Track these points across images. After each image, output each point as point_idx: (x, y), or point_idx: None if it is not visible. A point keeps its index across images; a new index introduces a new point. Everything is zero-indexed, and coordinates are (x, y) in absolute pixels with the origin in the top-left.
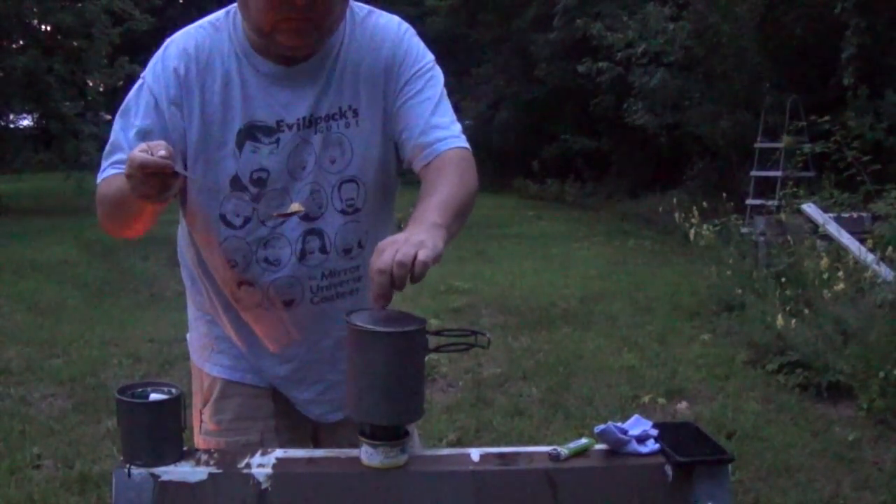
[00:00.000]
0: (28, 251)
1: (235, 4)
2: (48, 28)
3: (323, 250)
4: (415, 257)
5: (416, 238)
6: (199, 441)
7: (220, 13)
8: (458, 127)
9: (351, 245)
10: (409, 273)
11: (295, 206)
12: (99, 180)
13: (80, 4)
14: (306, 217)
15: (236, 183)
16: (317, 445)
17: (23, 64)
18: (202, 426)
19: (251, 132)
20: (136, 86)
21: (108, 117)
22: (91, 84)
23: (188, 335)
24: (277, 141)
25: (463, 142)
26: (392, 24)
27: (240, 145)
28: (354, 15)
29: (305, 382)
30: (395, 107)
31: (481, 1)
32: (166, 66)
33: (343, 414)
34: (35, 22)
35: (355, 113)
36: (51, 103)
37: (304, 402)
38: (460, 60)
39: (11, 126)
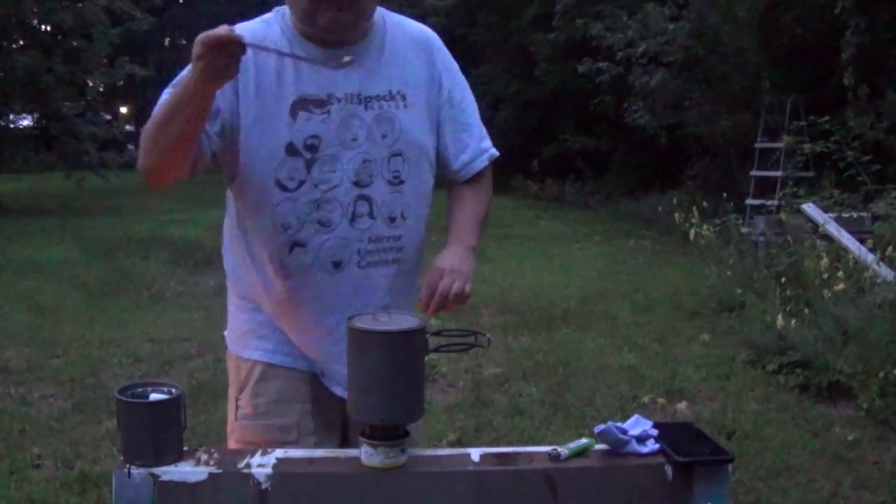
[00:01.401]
0: (28, 251)
1: (282, 6)
2: (48, 28)
3: (371, 216)
4: (464, 289)
5: (466, 268)
6: (234, 430)
7: (269, 14)
8: (484, 132)
9: (395, 214)
10: (460, 303)
11: None
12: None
13: (80, 4)
14: (357, 184)
15: (291, 149)
16: (345, 431)
17: (23, 64)
18: (238, 412)
19: (304, 103)
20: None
21: (108, 117)
22: (91, 84)
23: (226, 330)
24: (328, 112)
25: (488, 153)
26: (429, 33)
27: (293, 114)
28: (390, 16)
29: (343, 352)
30: (440, 108)
31: (481, 1)
32: None
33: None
34: (35, 22)
35: (403, 98)
36: (51, 103)
37: (343, 378)
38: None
39: (11, 126)
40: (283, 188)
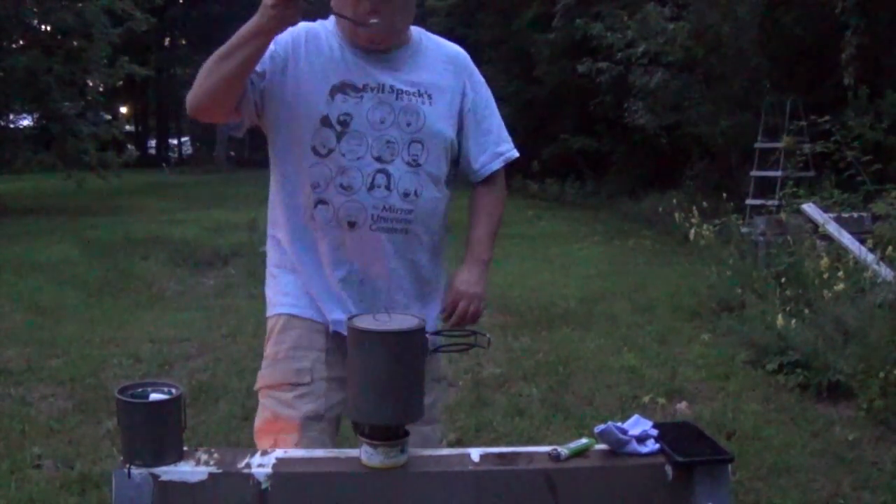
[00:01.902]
0: (28, 251)
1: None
2: (48, 28)
3: (387, 188)
4: (479, 310)
5: (480, 290)
6: (260, 377)
7: (320, 21)
8: (503, 136)
9: (410, 191)
10: (475, 322)
11: None
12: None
13: (80, 4)
14: (379, 159)
15: (326, 121)
16: None
17: (23, 64)
18: (264, 361)
19: (343, 87)
20: None
21: (108, 117)
22: (91, 84)
23: (268, 298)
24: (362, 97)
25: (504, 155)
26: (460, 51)
27: (332, 94)
28: (428, 36)
29: (356, 300)
30: (464, 114)
31: (481, 1)
32: (282, 37)
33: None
34: (35, 22)
35: (430, 97)
36: (51, 103)
37: (340, 321)
38: None
39: (11, 126)
40: (316, 153)
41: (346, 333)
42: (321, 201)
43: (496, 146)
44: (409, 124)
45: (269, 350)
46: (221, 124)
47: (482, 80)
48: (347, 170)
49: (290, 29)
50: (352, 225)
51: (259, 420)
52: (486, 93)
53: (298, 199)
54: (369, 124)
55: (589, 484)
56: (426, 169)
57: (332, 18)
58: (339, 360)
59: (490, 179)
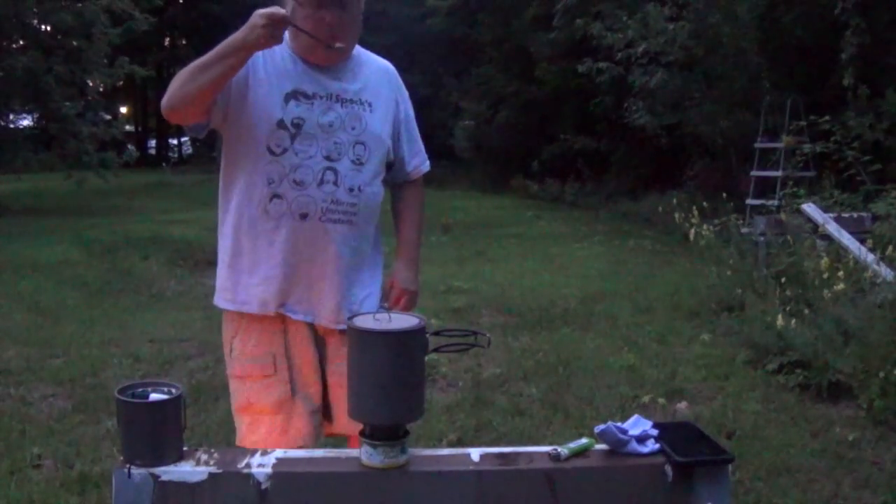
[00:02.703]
0: (28, 251)
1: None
2: (48, 28)
3: (335, 183)
4: (413, 305)
5: (415, 287)
6: (230, 366)
7: None
8: (422, 146)
9: (354, 186)
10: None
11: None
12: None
13: (80, 4)
14: (328, 158)
15: (281, 124)
16: (324, 367)
17: (23, 64)
18: (232, 353)
19: (295, 94)
20: None
21: (108, 117)
22: (91, 84)
23: (216, 294)
24: (312, 104)
25: (426, 162)
26: (390, 66)
27: (286, 100)
28: (361, 50)
29: (299, 284)
30: (398, 123)
31: (481, 1)
32: None
33: (325, 323)
34: (35, 22)
35: (370, 105)
36: (51, 103)
37: (294, 303)
38: (460, 60)
39: (11, 126)
40: (271, 152)
41: (287, 314)
42: (276, 195)
43: (423, 153)
44: (353, 128)
45: (236, 343)
46: (187, 126)
47: (407, 93)
48: (299, 167)
49: None
50: (304, 216)
51: (235, 402)
52: (411, 106)
53: (254, 193)
54: (319, 127)
55: (589, 484)
56: (368, 167)
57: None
58: (296, 341)
59: (417, 181)
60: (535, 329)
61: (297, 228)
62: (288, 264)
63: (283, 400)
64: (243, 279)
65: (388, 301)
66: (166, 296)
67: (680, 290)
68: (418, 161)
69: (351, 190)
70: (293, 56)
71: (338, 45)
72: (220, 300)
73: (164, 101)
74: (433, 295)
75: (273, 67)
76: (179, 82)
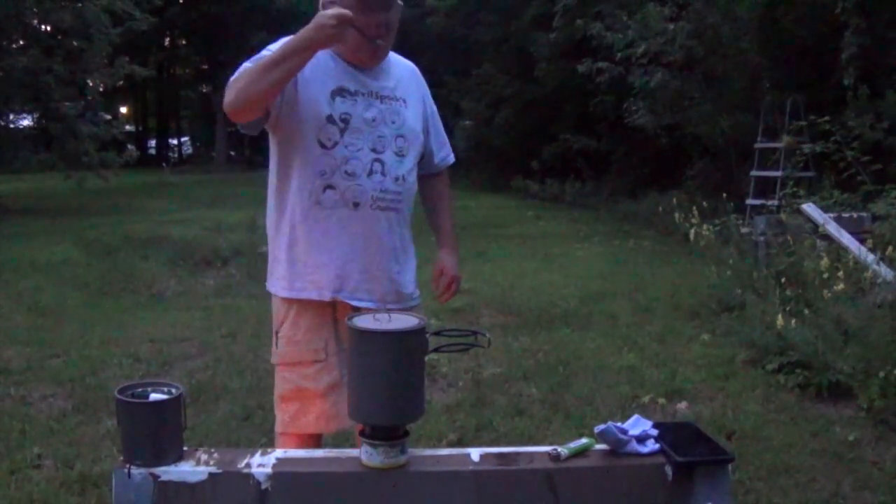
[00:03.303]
0: (28, 251)
1: None
2: (48, 28)
3: (382, 174)
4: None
5: (458, 272)
6: (278, 355)
7: None
8: (446, 140)
9: (398, 176)
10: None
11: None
12: (242, 69)
13: (80, 4)
14: (374, 150)
15: (330, 118)
16: None
17: (23, 64)
18: (279, 341)
19: (340, 91)
20: (258, 54)
21: (108, 117)
22: (91, 84)
23: (267, 281)
24: (356, 100)
25: (452, 153)
26: (414, 66)
27: (333, 97)
28: (392, 53)
29: (356, 271)
30: (426, 118)
31: (481, 1)
32: (285, 40)
33: (384, 306)
34: (35, 22)
35: (405, 101)
36: (51, 103)
37: (353, 290)
38: (460, 60)
39: (11, 126)
40: (322, 146)
41: (352, 303)
42: (329, 186)
43: (447, 146)
44: (393, 122)
45: (285, 331)
46: (241, 124)
47: (429, 91)
48: (350, 159)
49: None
50: (356, 205)
51: (281, 390)
52: (433, 102)
53: (306, 186)
54: (364, 122)
55: (589, 484)
56: (408, 159)
57: None
58: (346, 327)
59: (443, 173)
60: (535, 329)
61: (350, 217)
62: (342, 252)
63: (333, 385)
64: (299, 268)
65: (440, 287)
66: (166, 296)
67: (680, 290)
68: (445, 153)
69: (396, 179)
70: (333, 56)
71: (378, 41)
72: (278, 288)
73: (229, 101)
74: (433, 295)
75: (316, 67)
76: (243, 83)
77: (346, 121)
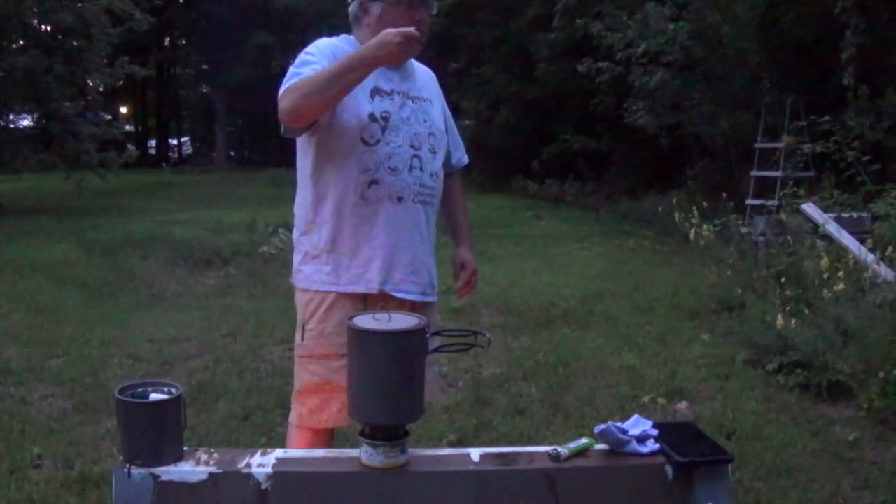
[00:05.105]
0: (28, 251)
1: (349, 35)
2: (48, 28)
3: (420, 169)
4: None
5: (476, 266)
6: (302, 348)
7: (342, 37)
8: (461, 141)
9: (433, 171)
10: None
11: None
12: (293, 80)
13: (80, 4)
14: (412, 146)
15: (372, 117)
16: None
17: (23, 64)
18: (306, 335)
19: (378, 90)
20: (300, 58)
21: (108, 117)
22: (91, 84)
23: (293, 277)
24: (392, 99)
25: (466, 154)
26: (428, 69)
27: (372, 96)
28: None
29: (402, 263)
30: (446, 117)
31: (481, 1)
32: (324, 46)
33: (424, 297)
34: (35, 22)
35: (431, 101)
36: (51, 103)
37: (399, 282)
38: (460, 60)
39: (11, 126)
40: (365, 143)
41: (398, 296)
42: (373, 181)
43: (462, 147)
44: (424, 121)
45: (313, 325)
46: (292, 128)
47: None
48: (392, 155)
49: (329, 45)
50: (399, 199)
51: (304, 382)
52: (447, 106)
53: (349, 182)
54: (401, 120)
55: (589, 484)
56: (439, 155)
57: (347, 37)
58: None
59: (457, 173)
60: (535, 329)
61: (394, 210)
62: (388, 245)
63: None
64: (345, 262)
65: (461, 281)
66: (166, 296)
67: (680, 290)
68: (460, 154)
69: (432, 175)
70: None
71: (423, 40)
72: (318, 284)
73: (289, 109)
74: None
75: None
76: (304, 92)
77: (386, 119)
